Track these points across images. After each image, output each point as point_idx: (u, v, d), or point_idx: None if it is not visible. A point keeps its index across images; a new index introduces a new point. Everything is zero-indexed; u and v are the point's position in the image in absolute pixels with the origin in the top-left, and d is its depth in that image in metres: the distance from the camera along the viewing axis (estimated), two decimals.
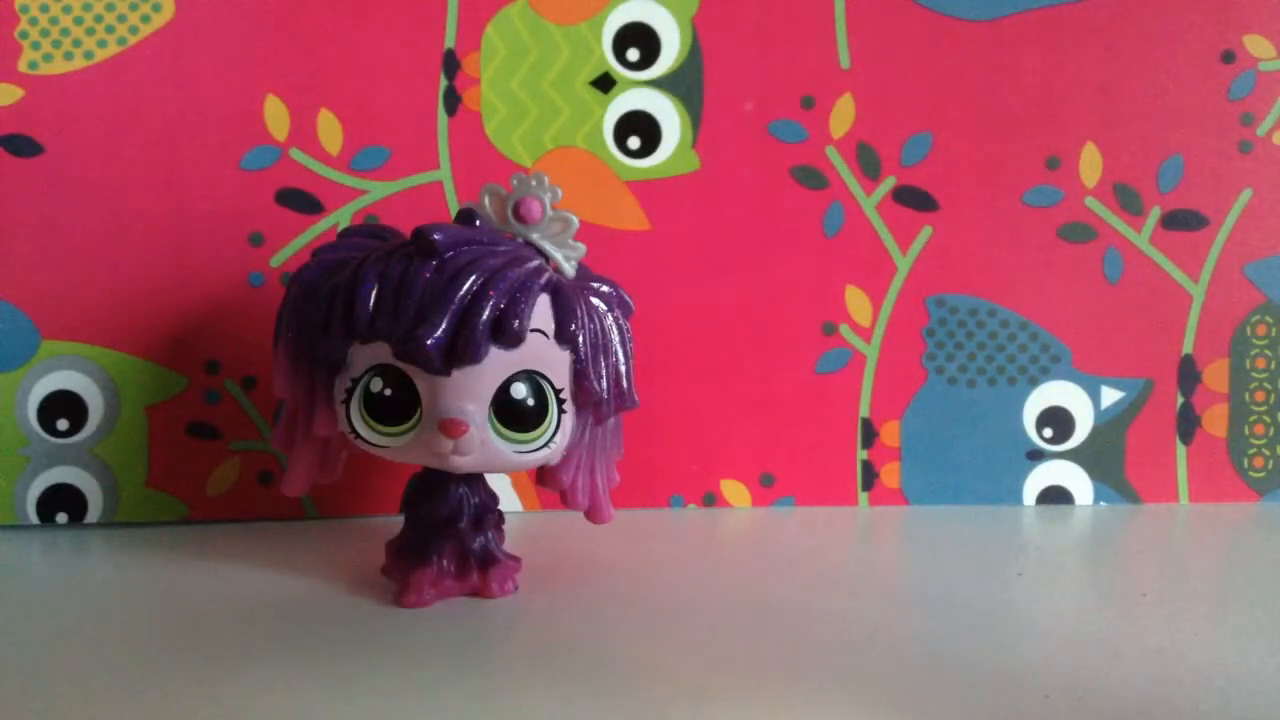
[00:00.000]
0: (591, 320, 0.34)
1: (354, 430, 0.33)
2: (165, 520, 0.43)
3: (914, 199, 0.45)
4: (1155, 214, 0.46)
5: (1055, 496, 0.47)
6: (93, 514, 0.43)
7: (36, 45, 0.42)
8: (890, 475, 0.46)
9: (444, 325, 0.31)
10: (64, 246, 0.42)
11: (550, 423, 0.33)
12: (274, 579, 0.37)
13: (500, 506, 0.36)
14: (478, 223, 0.33)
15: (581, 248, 0.34)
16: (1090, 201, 0.46)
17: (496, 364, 0.32)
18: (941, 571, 0.38)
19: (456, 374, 0.31)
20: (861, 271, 0.46)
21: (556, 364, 0.33)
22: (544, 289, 0.32)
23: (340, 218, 0.43)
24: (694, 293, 0.45)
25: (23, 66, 0.42)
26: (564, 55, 0.44)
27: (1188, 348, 0.46)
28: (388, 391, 0.32)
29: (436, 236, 0.31)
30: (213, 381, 0.43)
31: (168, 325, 0.43)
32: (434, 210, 0.44)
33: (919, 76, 0.45)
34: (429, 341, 0.31)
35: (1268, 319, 0.46)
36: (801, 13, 0.45)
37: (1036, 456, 0.47)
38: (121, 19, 0.42)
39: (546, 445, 0.33)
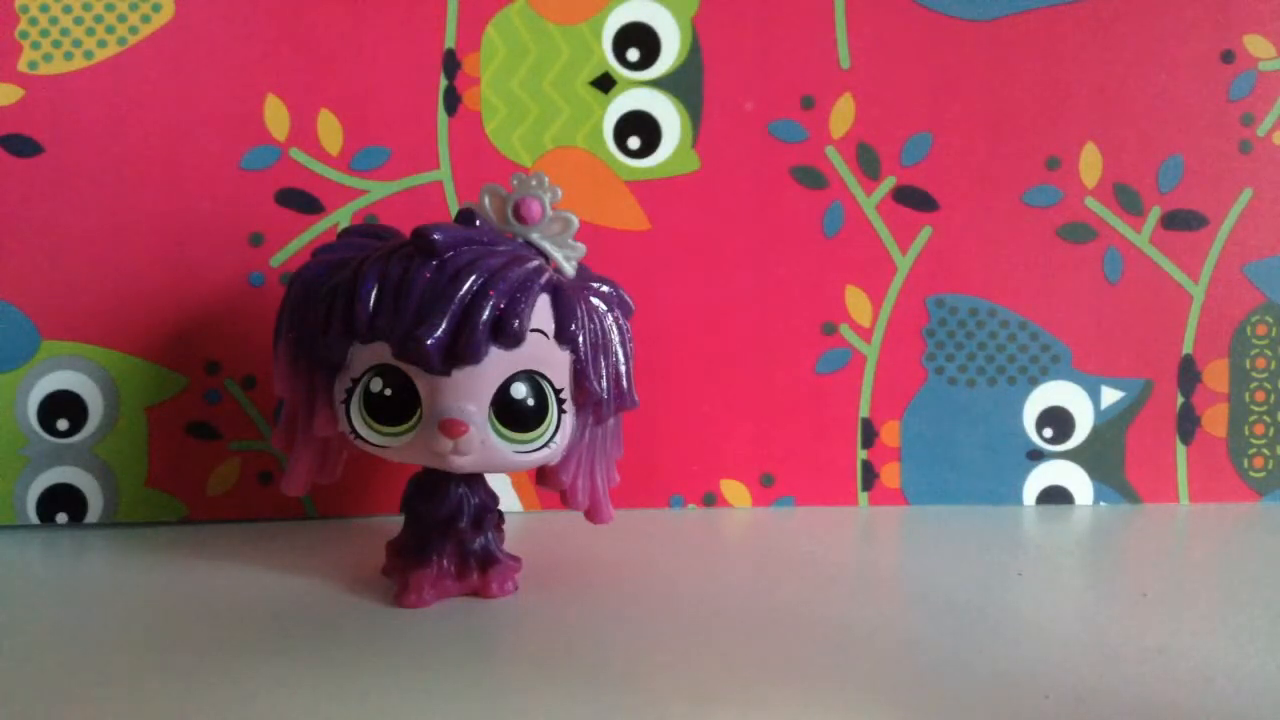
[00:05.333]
0: (591, 320, 0.34)
1: (354, 430, 0.33)
2: (165, 520, 0.43)
3: (914, 199, 0.45)
4: (1155, 214, 0.46)
5: (1055, 496, 0.47)
6: (93, 514, 0.43)
7: (36, 45, 0.42)
8: (890, 475, 0.46)
9: (444, 325, 0.31)
10: (64, 246, 0.42)
11: (550, 423, 0.33)
12: (274, 579, 0.37)
13: (500, 506, 0.36)
14: (478, 223, 0.33)
15: (581, 248, 0.34)
16: (1090, 201, 0.46)
17: (496, 364, 0.32)
18: (941, 571, 0.38)
19: (456, 374, 0.31)
20: (861, 271, 0.46)
21: (556, 364, 0.33)
22: (544, 289, 0.32)
23: (340, 218, 0.43)
24: (694, 293, 0.45)
25: (23, 66, 0.42)
26: (564, 55, 0.44)
27: (1188, 348, 0.46)
28: (388, 391, 0.32)
29: (436, 236, 0.31)
30: (213, 381, 0.43)
31: (168, 325, 0.43)
32: (434, 210, 0.44)
33: (919, 76, 0.45)
34: (429, 341, 0.31)
35: (1268, 319, 0.46)
36: (801, 13, 0.45)
37: (1036, 456, 0.47)
38: (121, 19, 0.42)
39: (546, 445, 0.33)
